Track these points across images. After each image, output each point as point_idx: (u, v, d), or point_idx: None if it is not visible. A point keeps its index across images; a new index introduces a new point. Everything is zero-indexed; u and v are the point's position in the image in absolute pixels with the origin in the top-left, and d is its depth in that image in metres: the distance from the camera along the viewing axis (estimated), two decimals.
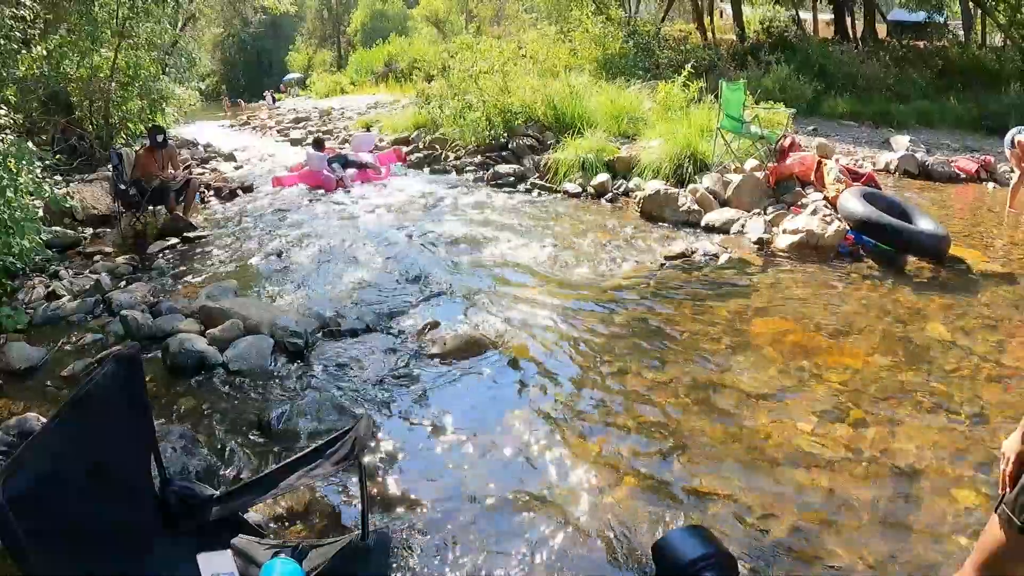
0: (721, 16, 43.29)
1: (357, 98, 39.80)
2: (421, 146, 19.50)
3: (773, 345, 6.89)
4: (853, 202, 9.78)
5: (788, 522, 4.35)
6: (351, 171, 16.42)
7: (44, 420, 5.71)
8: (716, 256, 9.54)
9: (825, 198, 10.92)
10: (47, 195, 8.92)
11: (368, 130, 24.02)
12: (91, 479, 2.98)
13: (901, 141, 17.42)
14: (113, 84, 16.92)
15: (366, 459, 3.77)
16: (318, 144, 17.52)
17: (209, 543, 3.49)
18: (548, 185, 14.50)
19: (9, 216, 7.94)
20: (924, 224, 9.59)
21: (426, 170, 17.78)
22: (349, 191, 15.50)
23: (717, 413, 5.69)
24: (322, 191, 15.40)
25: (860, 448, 5.14)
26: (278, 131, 29.84)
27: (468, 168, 16.85)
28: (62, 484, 2.71)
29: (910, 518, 4.39)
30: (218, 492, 3.86)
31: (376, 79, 48.92)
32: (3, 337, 7.38)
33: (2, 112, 9.22)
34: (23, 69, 14.24)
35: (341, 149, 20.08)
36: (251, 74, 76.72)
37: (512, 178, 15.31)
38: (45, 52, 14.77)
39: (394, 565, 3.93)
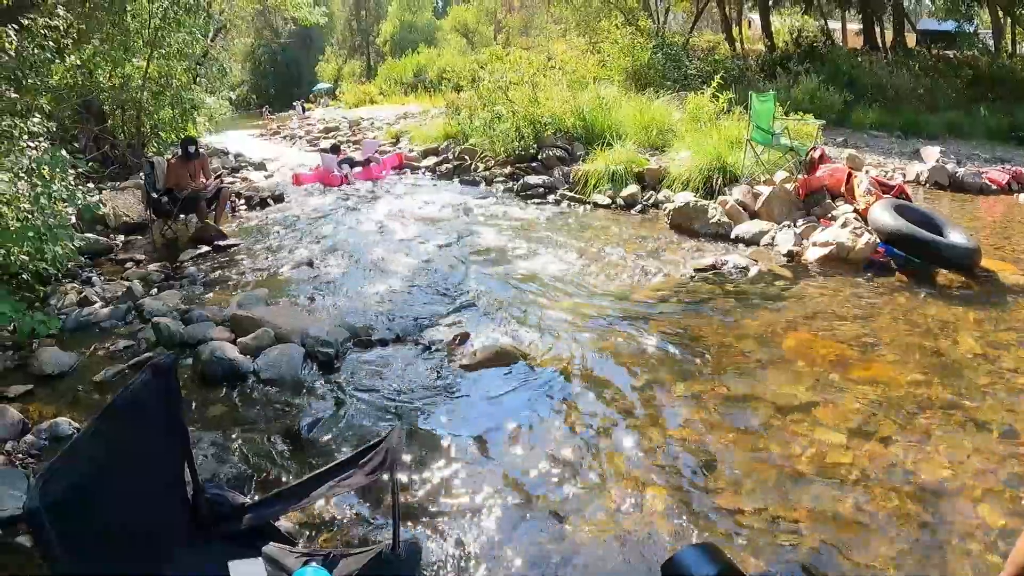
0: (750, 26, 43.08)
1: (386, 108, 39.96)
2: (451, 157, 19.55)
3: (803, 358, 6.87)
4: (884, 214, 9.73)
5: (816, 538, 4.34)
6: (356, 169, 18.95)
7: (75, 425, 5.81)
8: (746, 268, 9.52)
9: (855, 210, 10.86)
10: (80, 202, 8.98)
11: (396, 141, 24.66)
12: (125, 486, 3.00)
13: (931, 152, 17.28)
14: (145, 93, 17.01)
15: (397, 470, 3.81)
16: (335, 149, 20.71)
17: (240, 550, 3.52)
18: (578, 196, 14.52)
19: (42, 222, 8.00)
20: (955, 236, 9.53)
21: (456, 180, 17.87)
22: (353, 184, 17.98)
23: (746, 426, 5.69)
24: (336, 187, 17.66)
25: (890, 463, 5.11)
26: (308, 141, 29.97)
27: (497, 179, 16.92)
28: (97, 491, 2.72)
29: (940, 535, 4.37)
30: (250, 500, 3.91)
31: (405, 90, 49.13)
32: (35, 342, 7.47)
33: (36, 120, 9.27)
34: (56, 78, 14.34)
35: (354, 152, 21.89)
36: (281, 84, 77.03)
37: (542, 189, 15.33)
38: (78, 61, 14.87)
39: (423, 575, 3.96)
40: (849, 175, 11.66)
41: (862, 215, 10.55)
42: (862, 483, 4.88)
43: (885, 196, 10.76)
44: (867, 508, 4.61)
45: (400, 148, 23.18)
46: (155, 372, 3.30)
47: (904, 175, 15.44)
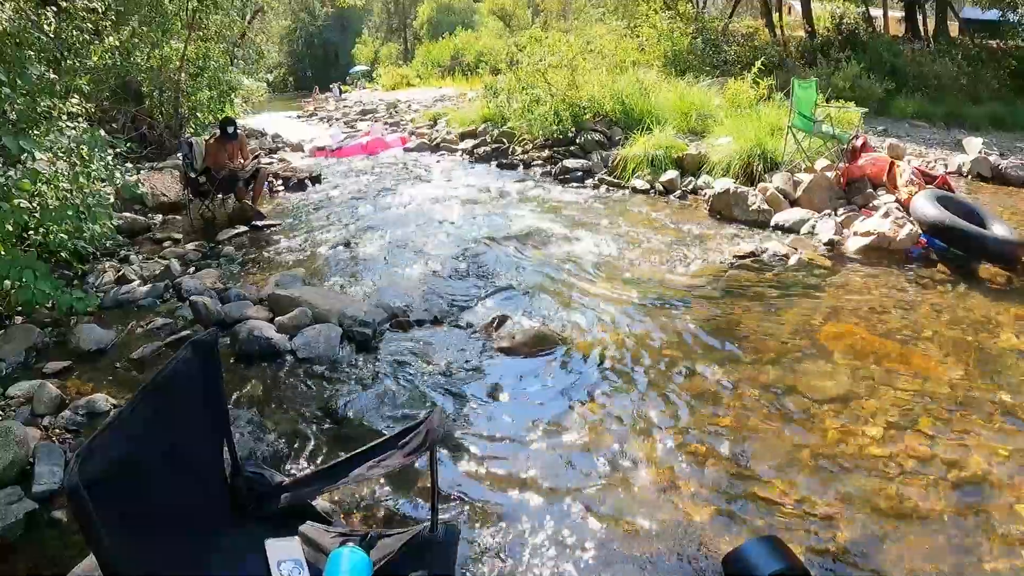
0: (790, 12, 42.72)
1: (423, 91, 40.01)
2: (488, 140, 19.48)
3: (842, 349, 6.81)
4: (926, 205, 9.60)
5: (853, 531, 4.31)
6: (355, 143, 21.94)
7: (112, 401, 5.88)
8: (786, 257, 9.45)
9: (897, 200, 10.75)
10: (118, 182, 9.05)
11: (433, 124, 24.78)
12: (165, 463, 2.98)
13: (974, 143, 17.01)
14: (183, 75, 17.12)
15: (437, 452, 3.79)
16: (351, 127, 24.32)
17: (277, 529, 3.52)
18: (616, 181, 14.46)
19: (81, 201, 8.06)
20: (998, 229, 9.39)
21: (493, 163, 17.83)
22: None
23: (785, 417, 5.65)
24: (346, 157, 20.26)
25: (928, 458, 5.07)
26: (345, 122, 30.02)
27: (535, 162, 16.86)
28: (136, 467, 2.71)
29: (978, 532, 4.32)
30: (287, 479, 3.90)
31: (442, 73, 49.09)
32: (74, 319, 7.55)
33: (75, 101, 9.34)
34: (95, 59, 14.43)
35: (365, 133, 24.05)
36: (318, 66, 77.36)
37: (580, 173, 15.27)
38: (117, 43, 14.95)
39: (460, 558, 3.94)
40: (891, 164, 11.53)
41: (904, 205, 10.43)
42: (900, 477, 4.85)
43: (928, 187, 10.64)
44: (904, 503, 4.58)
45: (437, 130, 23.30)
46: (196, 349, 3.30)
47: (946, 166, 15.26)
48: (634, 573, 4.00)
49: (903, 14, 37.01)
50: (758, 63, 17.71)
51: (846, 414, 5.65)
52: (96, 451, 2.48)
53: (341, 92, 50.57)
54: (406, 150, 21.03)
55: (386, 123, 27.81)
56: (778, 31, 32.49)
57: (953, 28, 36.38)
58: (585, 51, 20.42)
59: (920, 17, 35.37)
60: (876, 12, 36.76)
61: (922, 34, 33.81)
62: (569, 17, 49.22)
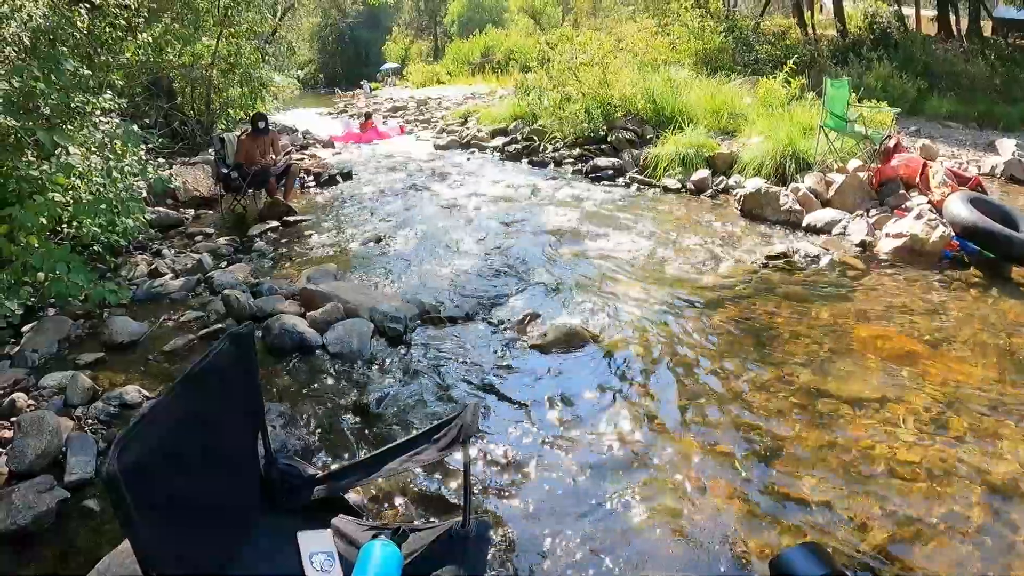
0: (821, 10, 42.52)
1: (453, 88, 40.14)
2: (519, 137, 19.55)
3: (873, 351, 6.77)
4: (960, 207, 9.50)
5: (883, 534, 4.28)
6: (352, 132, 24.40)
7: (144, 392, 5.94)
8: (817, 258, 9.41)
9: (930, 202, 10.66)
10: (151, 176, 9.12)
11: (464, 121, 25.20)
12: (201, 454, 3.00)
13: (1007, 145, 16.79)
14: (214, 71, 17.21)
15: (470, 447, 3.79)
16: (367, 117, 25.30)
17: (309, 521, 3.55)
18: (647, 180, 14.44)
19: (114, 195, 8.13)
20: None
21: (524, 161, 17.89)
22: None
23: (815, 418, 5.62)
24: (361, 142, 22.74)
25: (960, 462, 5.02)
26: (349, 115, 30.23)
27: (566, 160, 16.89)
28: (173, 457, 2.73)
29: (1009, 538, 4.29)
30: (320, 471, 3.92)
31: (472, 70, 49.14)
32: (106, 311, 7.63)
33: (107, 96, 9.38)
34: (128, 55, 14.52)
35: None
36: (348, 64, 77.34)
37: (611, 171, 15.25)
38: (150, 39, 15.03)
39: (492, 553, 3.95)
40: (924, 165, 11.46)
41: (937, 207, 10.34)
42: (930, 482, 4.80)
43: (961, 188, 10.56)
44: (934, 508, 4.53)
45: (468, 127, 23.46)
46: (234, 341, 3.32)
47: (979, 167, 15.11)
48: (668, 572, 3.99)
49: (935, 13, 36.69)
50: (790, 62, 17.61)
51: (877, 417, 5.62)
52: (134, 440, 2.50)
53: (371, 89, 50.69)
54: (436, 147, 21.05)
55: (384, 117, 29.52)
56: (809, 30, 32.35)
57: (986, 27, 36.09)
58: (616, 49, 20.41)
59: (953, 16, 35.09)
60: (908, 11, 36.56)
61: (955, 33, 33.54)
62: (599, 15, 49.12)
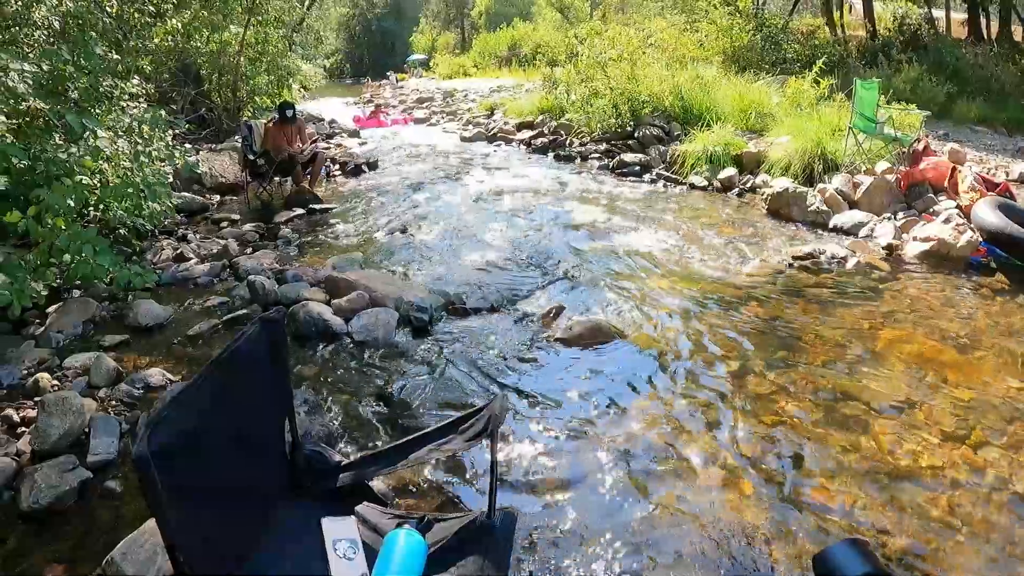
0: (850, 11, 42.25)
1: (480, 81, 40.22)
2: (546, 131, 19.58)
3: (898, 355, 6.72)
4: (988, 213, 9.43)
5: (904, 541, 4.25)
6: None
7: (168, 376, 6.00)
8: (844, 260, 9.34)
9: (958, 206, 10.58)
10: (177, 161, 9.17)
11: (491, 113, 25.44)
12: (229, 437, 3.01)
13: None
14: (242, 59, 17.28)
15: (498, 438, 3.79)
16: (377, 107, 28.66)
17: (333, 508, 3.56)
18: (674, 177, 14.40)
19: (141, 179, 8.17)
20: None
21: (550, 155, 17.88)
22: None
23: (839, 421, 5.59)
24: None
25: (983, 470, 4.98)
26: (402, 110, 30.19)
27: (592, 155, 16.89)
28: (202, 440, 2.73)
29: None
30: (346, 458, 3.93)
31: (499, 63, 49.18)
32: (131, 295, 7.67)
33: (135, 81, 9.44)
34: (156, 41, 14.59)
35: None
36: (375, 54, 77.52)
37: (637, 167, 15.21)
38: (178, 26, 15.08)
39: (514, 545, 3.94)
40: (953, 170, 11.36)
41: (965, 212, 10.26)
42: (953, 488, 4.77)
43: (990, 194, 10.48)
44: (957, 515, 4.50)
45: (494, 120, 23.59)
46: (265, 326, 3.33)
47: (1007, 173, 14.99)
48: (690, 570, 3.98)
49: (965, 16, 36.44)
50: (819, 62, 17.52)
51: (900, 421, 5.58)
52: (164, 422, 2.51)
53: (397, 80, 50.75)
54: (463, 139, 21.13)
55: (388, 108, 31.32)
56: (839, 30, 32.19)
57: (1017, 32, 35.83)
58: (645, 45, 20.37)
59: (983, 20, 34.83)
60: (938, 13, 36.30)
61: (985, 37, 33.29)
62: (628, 10, 49.03)
